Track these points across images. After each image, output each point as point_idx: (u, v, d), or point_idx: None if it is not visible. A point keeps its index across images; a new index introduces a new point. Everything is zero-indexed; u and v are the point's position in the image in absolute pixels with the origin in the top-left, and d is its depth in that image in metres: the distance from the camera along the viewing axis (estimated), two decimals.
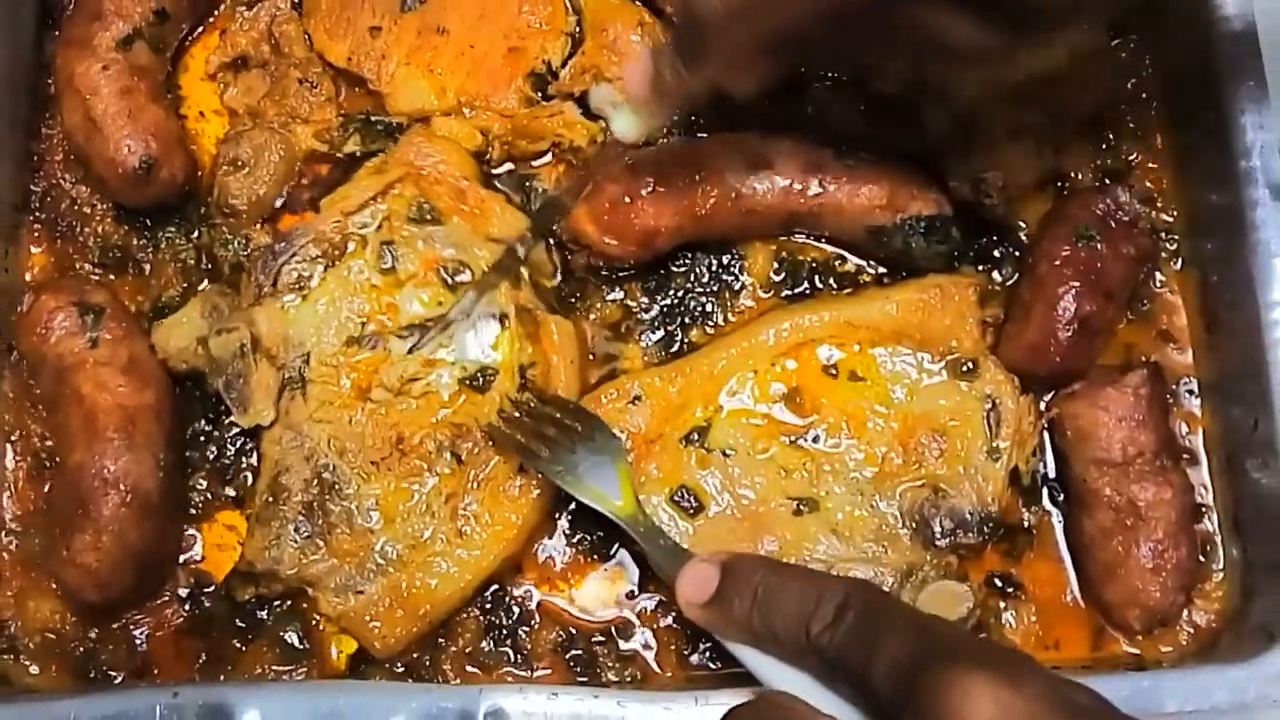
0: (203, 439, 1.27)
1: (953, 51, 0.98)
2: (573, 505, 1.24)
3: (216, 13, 1.40)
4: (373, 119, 1.33)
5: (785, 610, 0.96)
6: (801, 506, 1.19)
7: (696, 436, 1.20)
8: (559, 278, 1.32)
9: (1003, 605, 1.23)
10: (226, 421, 1.24)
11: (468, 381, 1.22)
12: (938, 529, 1.18)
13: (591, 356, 1.29)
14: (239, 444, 1.26)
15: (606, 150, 1.20)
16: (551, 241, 1.31)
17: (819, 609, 0.93)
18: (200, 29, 1.39)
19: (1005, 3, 0.94)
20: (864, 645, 0.89)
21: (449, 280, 1.23)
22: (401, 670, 1.18)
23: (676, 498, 1.19)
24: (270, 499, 1.20)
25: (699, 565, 1.05)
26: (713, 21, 0.95)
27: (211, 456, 1.26)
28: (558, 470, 1.16)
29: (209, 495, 1.26)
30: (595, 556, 1.23)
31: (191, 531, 1.25)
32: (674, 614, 1.21)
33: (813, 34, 0.99)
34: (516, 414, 1.19)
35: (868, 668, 0.87)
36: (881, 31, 1.00)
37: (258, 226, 1.31)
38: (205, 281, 1.31)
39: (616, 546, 1.23)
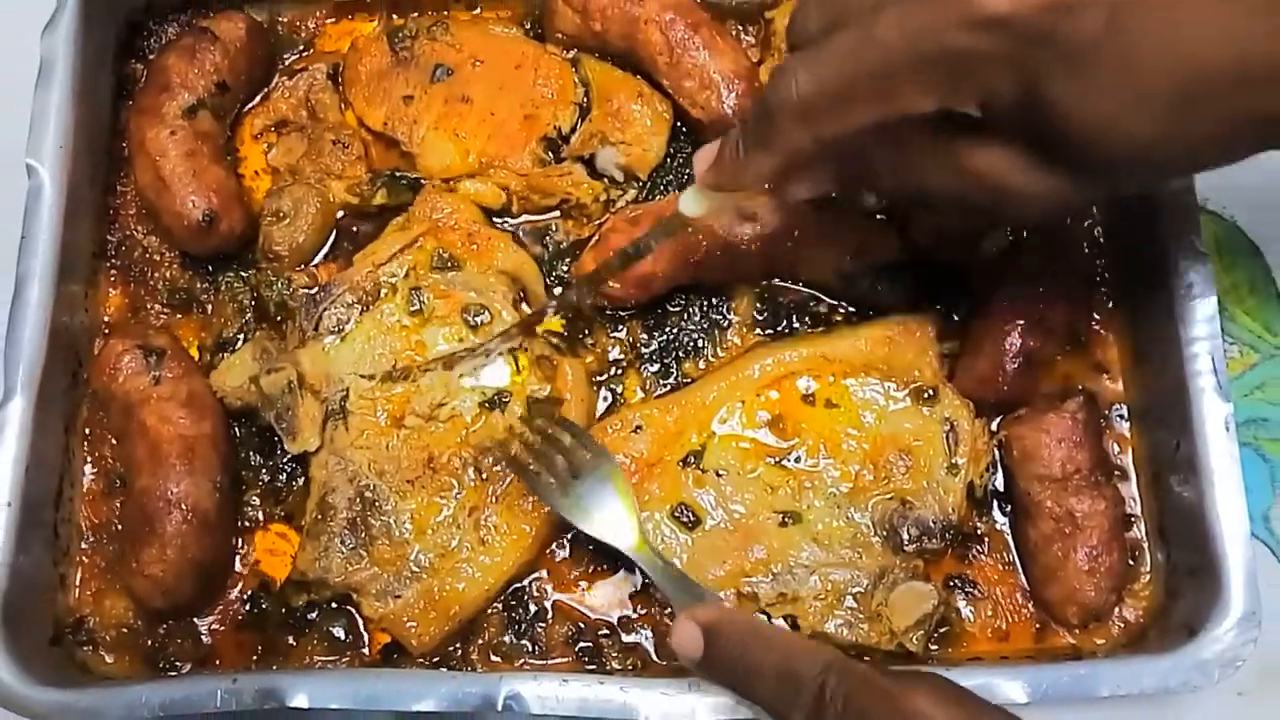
0: (258, 464, 1.28)
1: (1008, 195, 0.93)
2: None
3: (271, 84, 1.39)
4: (397, 175, 1.34)
5: (762, 689, 0.93)
6: (786, 519, 1.20)
7: (693, 459, 1.21)
8: (569, 318, 1.31)
9: (961, 602, 1.23)
10: (279, 450, 1.25)
11: (486, 404, 1.23)
12: (905, 536, 1.19)
13: (597, 387, 1.29)
14: (290, 469, 1.27)
15: (671, 220, 1.12)
16: (560, 284, 1.32)
17: (799, 694, 0.90)
18: (257, 98, 1.40)
19: (1065, 151, 0.88)
20: None
21: (470, 321, 1.25)
22: (435, 661, 1.19)
23: (676, 513, 1.19)
24: (319, 516, 1.20)
25: (686, 625, 1.00)
26: (784, 113, 0.91)
27: (266, 479, 1.27)
28: (563, 503, 1.14)
29: (264, 512, 1.27)
30: (604, 566, 1.24)
31: (248, 542, 1.26)
32: (670, 613, 1.21)
33: (871, 150, 0.98)
34: (532, 436, 1.18)
35: None
36: (939, 166, 0.95)
37: (298, 269, 1.31)
38: (255, 317, 1.31)
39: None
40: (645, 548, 1.13)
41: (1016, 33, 0.81)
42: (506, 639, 1.22)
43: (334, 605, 1.22)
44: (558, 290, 1.33)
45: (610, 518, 1.14)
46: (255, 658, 1.22)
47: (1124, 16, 0.81)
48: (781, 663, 0.92)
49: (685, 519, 1.20)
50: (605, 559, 1.24)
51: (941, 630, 1.22)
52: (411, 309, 1.26)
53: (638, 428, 1.22)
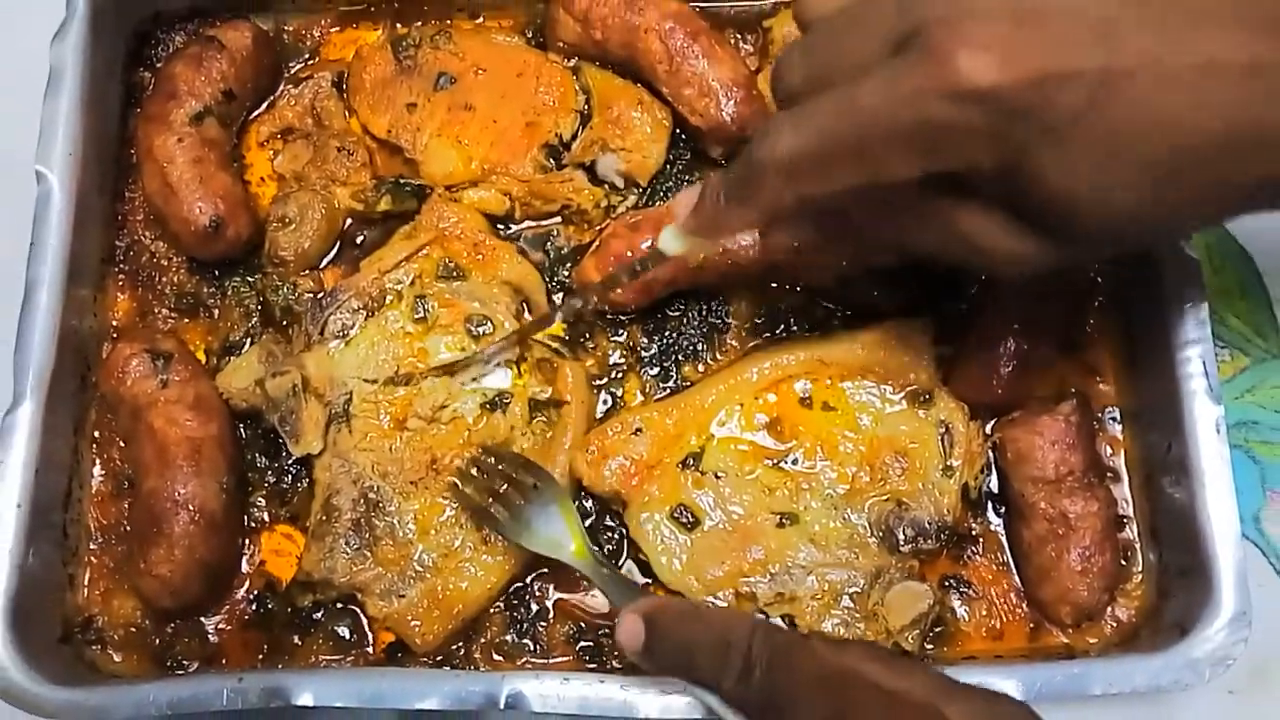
0: (263, 466, 1.28)
1: (987, 256, 0.93)
2: (587, 521, 1.24)
3: (277, 92, 1.40)
4: (401, 181, 1.34)
5: (700, 664, 0.93)
6: (784, 520, 1.20)
7: (692, 461, 1.21)
8: (569, 322, 1.31)
9: (956, 602, 1.22)
10: (284, 452, 1.25)
11: (488, 405, 1.24)
12: (901, 537, 1.19)
13: (598, 390, 1.29)
14: (295, 471, 1.27)
15: (652, 255, 1.11)
16: (563, 291, 1.32)
17: (728, 661, 0.90)
18: (263, 106, 1.40)
19: (1046, 219, 0.88)
20: (777, 703, 0.85)
21: (473, 330, 1.26)
22: (438, 660, 1.19)
23: (676, 514, 1.19)
24: (324, 517, 1.21)
25: (628, 618, 1.00)
26: (768, 171, 0.90)
27: (271, 481, 1.27)
28: (514, 529, 1.16)
29: (269, 513, 1.26)
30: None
31: (254, 542, 1.26)
32: None
33: (853, 206, 0.98)
34: (474, 472, 1.19)
35: None
36: (920, 224, 0.95)
37: (303, 274, 1.31)
38: (261, 321, 1.31)
39: (624, 557, 1.24)
40: (585, 554, 1.14)
41: (999, 107, 0.80)
42: (508, 638, 1.22)
43: (339, 605, 1.23)
44: (559, 298, 1.33)
45: (553, 534, 1.15)
46: (261, 657, 1.22)
47: (1107, 91, 0.80)
48: (715, 636, 0.92)
49: (685, 520, 1.20)
50: (606, 558, 1.22)
51: (937, 630, 1.22)
52: (416, 316, 1.26)
53: (637, 430, 1.22)
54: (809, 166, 0.88)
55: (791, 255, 1.25)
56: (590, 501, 1.26)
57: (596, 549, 1.16)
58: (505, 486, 1.18)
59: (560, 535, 1.15)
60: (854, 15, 0.89)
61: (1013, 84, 0.79)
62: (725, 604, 1.19)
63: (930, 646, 1.21)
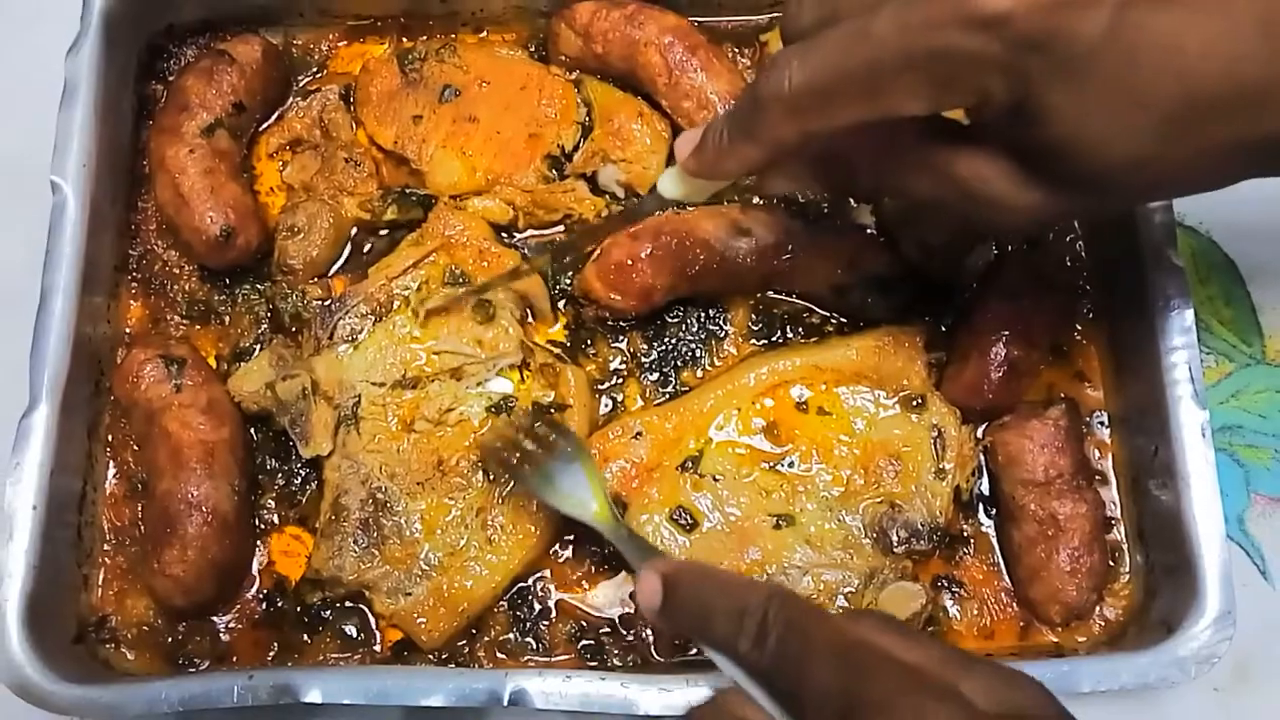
0: (273, 468, 1.28)
1: (989, 205, 0.91)
2: None
3: (286, 104, 1.41)
4: (407, 191, 1.35)
5: (716, 627, 0.89)
6: (780, 522, 1.20)
7: (690, 465, 1.21)
8: (571, 328, 1.32)
9: (948, 602, 1.23)
10: (294, 455, 1.25)
11: (493, 408, 1.24)
12: (895, 538, 1.19)
13: (599, 394, 1.30)
14: (304, 473, 1.27)
15: (613, 219, 1.20)
16: (565, 298, 1.33)
17: (743, 626, 0.86)
18: (272, 118, 1.41)
19: (1049, 163, 0.86)
20: (790, 669, 0.82)
21: (479, 335, 1.26)
22: (444, 657, 1.20)
23: (675, 516, 1.19)
24: (333, 517, 1.21)
25: (647, 576, 0.96)
26: (773, 105, 0.87)
27: (281, 483, 1.27)
28: (540, 485, 1.16)
29: (279, 515, 1.27)
30: (606, 567, 1.24)
31: (264, 543, 1.26)
32: None
33: (855, 150, 0.96)
34: (513, 433, 1.20)
35: (798, 694, 0.81)
36: (921, 170, 0.93)
37: (312, 281, 1.31)
38: (271, 328, 1.32)
39: None
40: (607, 515, 1.13)
41: (1015, 34, 0.78)
42: (512, 637, 1.22)
43: (347, 603, 1.23)
44: (562, 304, 1.34)
45: (575, 493, 1.15)
46: (271, 655, 1.22)
47: (1126, 22, 0.79)
48: (732, 600, 0.89)
49: (684, 522, 1.20)
50: (606, 560, 1.25)
51: (929, 629, 1.23)
52: (422, 322, 1.27)
53: (638, 434, 1.22)
54: (815, 101, 0.86)
55: (785, 263, 1.27)
56: None
57: (616, 511, 1.15)
58: (534, 446, 1.18)
59: (584, 495, 1.15)
60: None
61: (1029, 8, 0.78)
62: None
63: None
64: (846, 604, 1.18)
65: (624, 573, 1.24)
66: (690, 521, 1.20)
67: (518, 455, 1.18)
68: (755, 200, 1.34)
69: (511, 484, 1.22)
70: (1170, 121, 0.82)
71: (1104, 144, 0.83)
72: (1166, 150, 0.83)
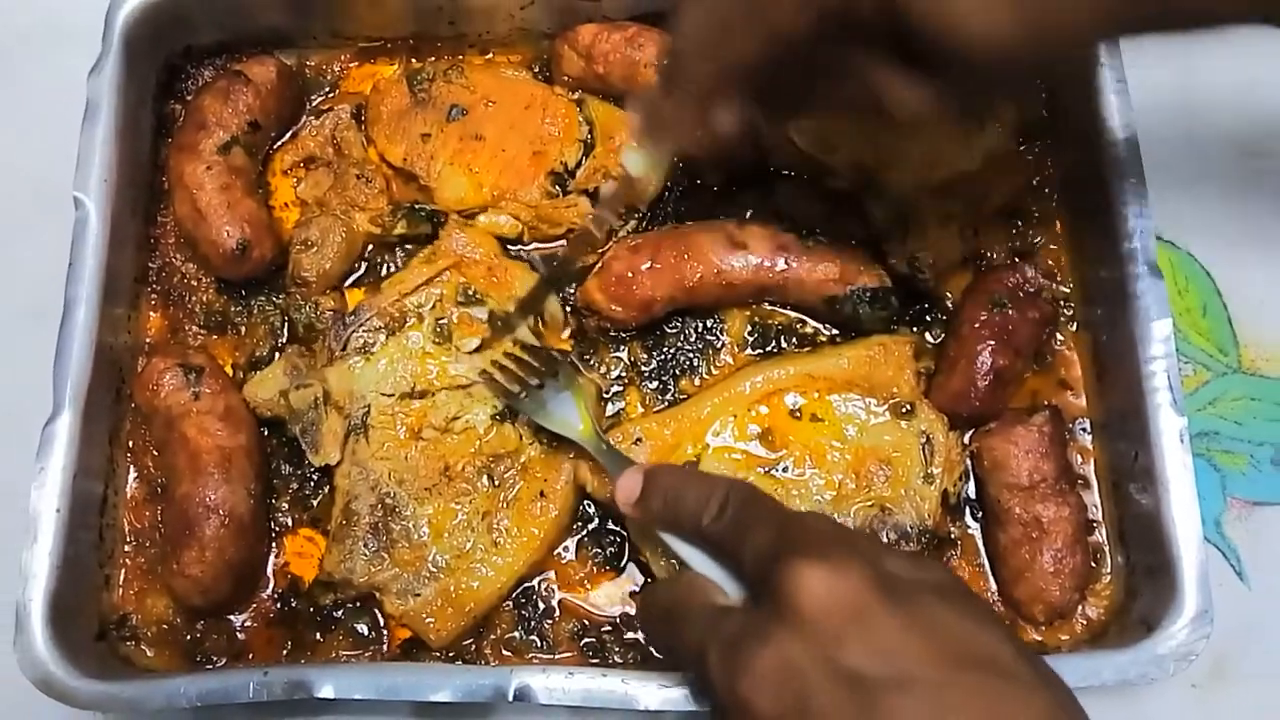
0: (288, 473, 1.29)
1: (892, 106, 0.93)
2: (590, 526, 1.26)
3: (299, 123, 1.42)
4: (416, 207, 1.36)
5: (686, 507, 0.98)
6: None
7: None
8: (574, 338, 1.33)
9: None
10: (307, 460, 1.25)
11: (498, 416, 1.25)
12: (885, 540, 1.19)
13: (602, 402, 1.30)
14: (316, 478, 1.28)
15: (586, 232, 1.26)
16: (569, 308, 1.34)
17: (709, 505, 0.96)
18: (286, 135, 1.42)
19: (931, 58, 0.88)
20: (737, 535, 0.92)
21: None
22: (451, 655, 1.20)
23: None
24: (344, 521, 1.22)
25: (630, 473, 1.05)
26: (685, 49, 0.96)
27: (295, 487, 1.28)
28: (532, 407, 1.21)
29: (293, 517, 1.27)
30: (607, 567, 1.25)
31: (278, 545, 1.26)
32: None
33: (766, 70, 0.97)
34: (507, 362, 1.24)
35: (740, 554, 0.91)
36: (839, 83, 0.96)
37: (325, 294, 1.33)
38: (286, 338, 1.32)
39: (625, 560, 1.25)
40: (591, 432, 1.19)
41: None
42: (517, 635, 1.23)
43: (358, 603, 1.23)
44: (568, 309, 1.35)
45: (565, 416, 1.21)
46: (285, 652, 1.23)
47: None
48: (701, 486, 0.99)
49: None
50: (608, 561, 1.26)
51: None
52: (436, 338, 1.28)
53: (638, 440, 1.23)
54: (717, 37, 0.93)
55: (779, 276, 1.28)
56: (594, 507, 1.28)
57: (600, 429, 1.21)
58: (531, 376, 1.23)
59: (572, 417, 1.20)
60: None
61: None
62: None
63: None
64: None
65: (624, 573, 1.25)
66: None
67: (517, 385, 1.22)
68: (747, 217, 1.36)
69: (516, 488, 1.23)
70: None
71: (966, 30, 0.84)
72: (1026, 19, 0.84)
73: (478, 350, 1.27)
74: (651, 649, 1.19)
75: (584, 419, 1.20)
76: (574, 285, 1.35)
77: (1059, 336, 1.34)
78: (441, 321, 1.28)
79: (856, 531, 0.93)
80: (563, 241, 1.37)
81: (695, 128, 1.00)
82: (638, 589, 1.25)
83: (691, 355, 1.34)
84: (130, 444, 1.29)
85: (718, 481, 1.00)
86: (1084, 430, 1.31)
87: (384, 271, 1.37)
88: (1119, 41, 1.14)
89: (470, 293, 1.29)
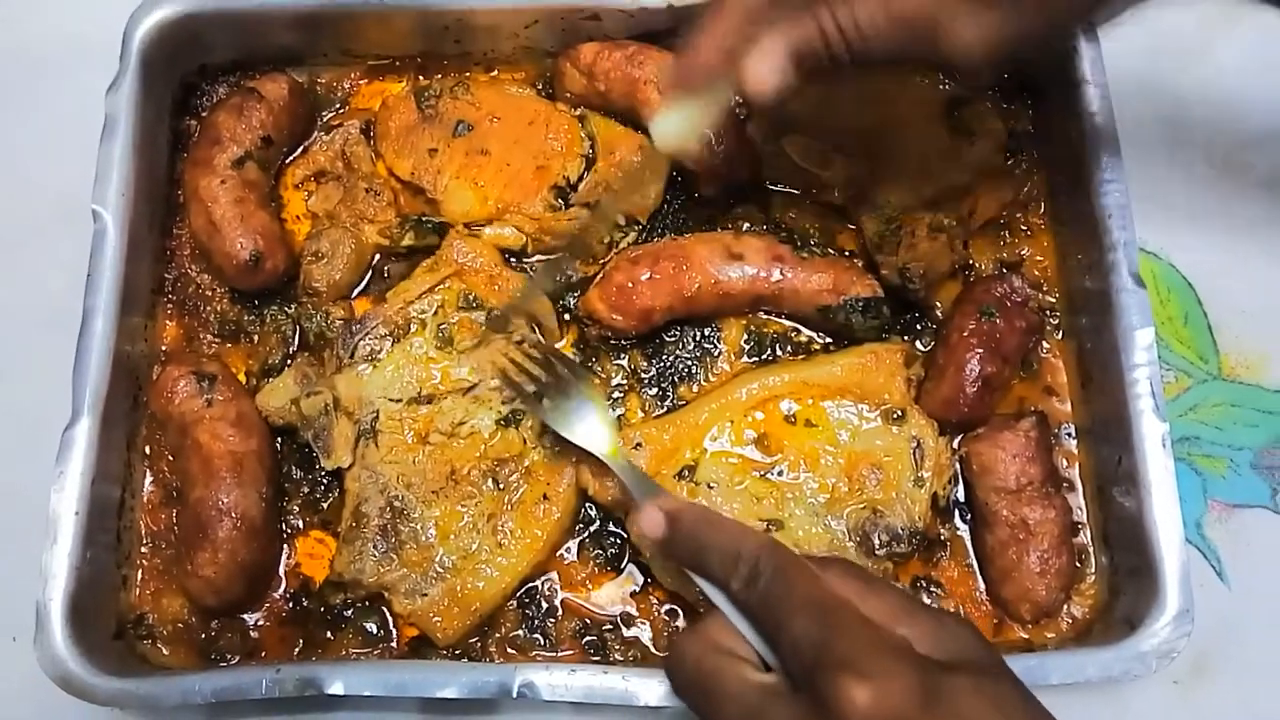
0: (299, 477, 1.29)
1: (943, 38, 0.93)
2: (592, 527, 1.27)
3: (310, 138, 1.42)
4: (423, 219, 1.36)
5: (711, 564, 0.93)
6: (770, 526, 1.20)
7: (687, 473, 1.21)
8: (577, 346, 1.33)
9: (926, 600, 1.23)
10: (317, 465, 1.26)
11: (502, 421, 1.26)
12: (877, 542, 1.20)
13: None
14: (327, 481, 1.29)
15: (578, 236, 1.27)
16: (568, 317, 1.34)
17: (737, 568, 0.91)
18: (298, 150, 1.42)
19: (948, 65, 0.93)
20: (773, 614, 0.87)
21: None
22: (458, 653, 1.20)
23: None
24: (353, 523, 1.22)
25: (651, 511, 0.99)
26: None
27: (306, 491, 1.29)
28: (553, 417, 1.19)
29: (304, 520, 1.28)
30: (608, 568, 1.26)
31: (290, 546, 1.27)
32: (667, 608, 1.24)
33: (814, 13, 0.94)
34: (527, 361, 1.23)
35: (777, 637, 0.87)
36: (877, 15, 0.92)
37: (335, 303, 1.33)
38: (297, 346, 1.33)
39: (625, 561, 1.25)
40: (618, 453, 1.16)
41: None
42: (521, 633, 1.23)
43: (367, 603, 1.24)
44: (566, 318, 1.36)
45: (589, 429, 1.18)
46: (297, 650, 1.23)
47: None
48: (729, 543, 0.93)
49: None
50: (609, 562, 1.26)
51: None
52: (439, 343, 1.28)
53: (638, 445, 1.23)
54: None
55: (775, 286, 1.29)
56: (595, 510, 1.28)
57: (624, 447, 1.19)
58: (550, 380, 1.21)
59: (594, 430, 1.18)
60: None
61: None
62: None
63: None
64: None
65: (624, 574, 1.26)
66: None
67: (534, 388, 1.20)
68: (744, 230, 1.37)
69: (520, 491, 1.23)
70: None
71: (966, 46, 0.88)
72: (1004, 30, 0.88)
73: (475, 347, 1.27)
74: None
75: (609, 436, 1.17)
76: (576, 295, 1.35)
77: (1045, 345, 1.34)
78: (443, 326, 1.28)
79: (884, 589, 0.92)
80: (566, 255, 1.38)
81: (730, 76, 0.97)
82: (638, 589, 1.25)
83: (690, 363, 1.34)
84: (147, 449, 1.30)
85: (746, 539, 0.93)
86: (1069, 435, 1.31)
87: (391, 282, 1.38)
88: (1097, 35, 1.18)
89: (471, 299, 1.30)
